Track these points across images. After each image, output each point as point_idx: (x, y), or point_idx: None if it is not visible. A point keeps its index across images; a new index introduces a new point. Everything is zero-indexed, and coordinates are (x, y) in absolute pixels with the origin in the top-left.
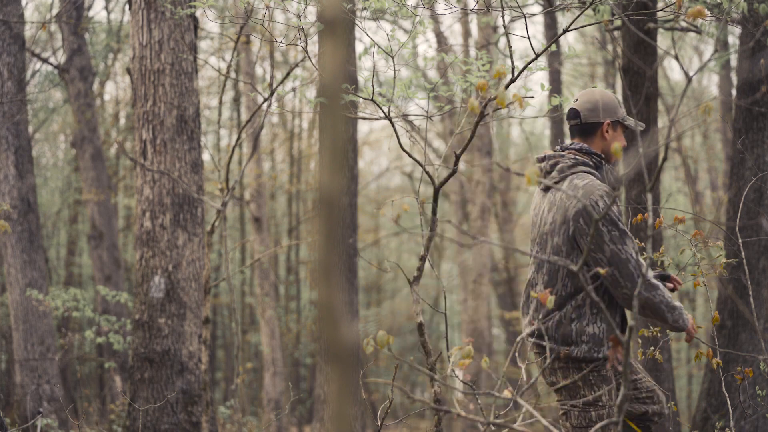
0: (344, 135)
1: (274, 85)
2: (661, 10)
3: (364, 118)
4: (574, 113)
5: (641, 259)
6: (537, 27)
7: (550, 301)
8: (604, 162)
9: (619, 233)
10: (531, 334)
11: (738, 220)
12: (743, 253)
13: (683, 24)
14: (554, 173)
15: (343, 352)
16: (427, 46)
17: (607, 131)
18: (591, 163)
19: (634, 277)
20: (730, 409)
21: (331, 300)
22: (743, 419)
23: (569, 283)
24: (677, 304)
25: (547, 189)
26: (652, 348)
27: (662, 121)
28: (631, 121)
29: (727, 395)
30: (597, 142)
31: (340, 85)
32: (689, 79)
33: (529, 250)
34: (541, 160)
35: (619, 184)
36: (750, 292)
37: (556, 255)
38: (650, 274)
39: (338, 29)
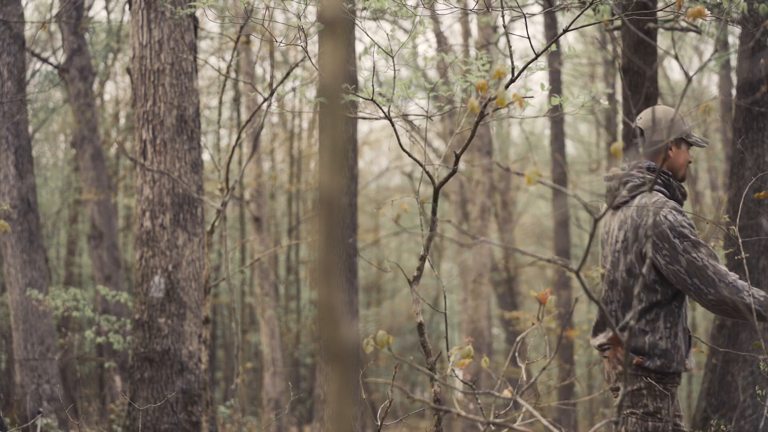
0: (344, 135)
1: (274, 85)
2: (661, 10)
3: (364, 118)
4: (639, 132)
5: (721, 265)
6: (537, 27)
7: (550, 301)
8: (672, 179)
9: (691, 242)
10: (606, 344)
11: (738, 220)
12: (743, 253)
13: (683, 24)
14: (624, 192)
15: (343, 352)
16: (427, 46)
17: (671, 148)
18: (659, 180)
19: (716, 282)
20: (767, 409)
21: (331, 300)
22: (743, 419)
23: (644, 298)
24: None
25: (617, 207)
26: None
27: None
28: (694, 137)
29: (741, 389)
30: (662, 159)
31: (340, 85)
32: (689, 79)
33: (600, 267)
34: (609, 179)
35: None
36: None
37: (629, 272)
38: (732, 277)
39: (338, 29)
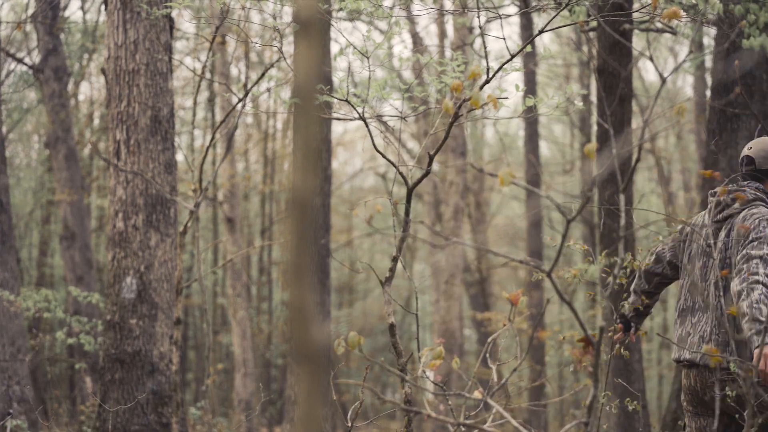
0: (317, 135)
1: (249, 86)
2: (636, 11)
3: (338, 119)
4: (749, 160)
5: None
6: (513, 28)
7: (522, 302)
8: None
9: (757, 243)
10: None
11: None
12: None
13: (659, 25)
14: (736, 205)
15: (313, 353)
16: (402, 46)
17: None
18: (767, 197)
19: (741, 274)
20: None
21: (303, 301)
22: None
23: None
24: (762, 318)
25: (722, 221)
26: (618, 345)
27: (636, 122)
28: None
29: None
30: None
31: (314, 86)
32: (663, 80)
33: (700, 282)
34: (715, 194)
35: (591, 185)
36: None
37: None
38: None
39: (313, 30)
